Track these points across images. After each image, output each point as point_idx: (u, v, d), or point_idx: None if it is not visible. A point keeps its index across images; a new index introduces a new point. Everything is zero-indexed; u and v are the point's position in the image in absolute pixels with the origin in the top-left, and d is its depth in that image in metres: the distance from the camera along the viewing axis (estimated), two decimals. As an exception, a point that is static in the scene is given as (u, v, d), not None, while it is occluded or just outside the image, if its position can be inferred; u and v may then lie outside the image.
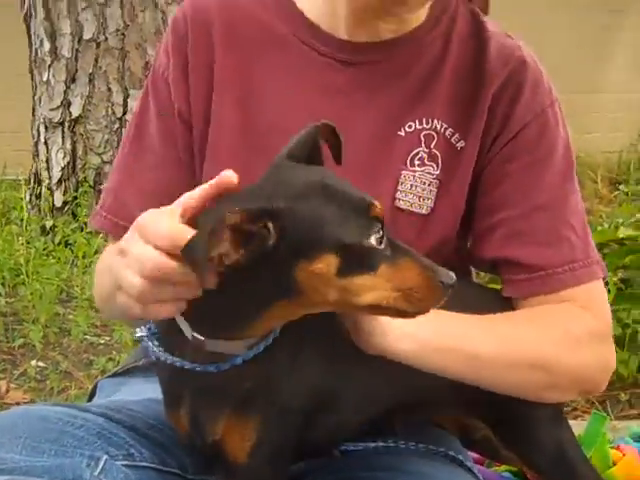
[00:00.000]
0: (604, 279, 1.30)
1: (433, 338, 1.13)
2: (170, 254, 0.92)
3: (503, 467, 1.71)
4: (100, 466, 1.03)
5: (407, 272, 0.96)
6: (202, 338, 1.01)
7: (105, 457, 1.05)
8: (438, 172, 1.26)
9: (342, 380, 1.14)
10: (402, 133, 1.26)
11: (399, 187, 1.26)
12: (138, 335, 1.08)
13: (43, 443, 1.04)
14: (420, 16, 1.29)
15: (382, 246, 0.96)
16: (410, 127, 1.26)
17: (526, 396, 1.22)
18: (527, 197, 1.25)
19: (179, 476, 1.19)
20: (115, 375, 1.49)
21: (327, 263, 0.94)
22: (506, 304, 1.28)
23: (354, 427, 1.21)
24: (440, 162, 1.26)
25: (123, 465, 1.08)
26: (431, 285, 0.97)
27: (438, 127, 1.26)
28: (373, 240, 0.95)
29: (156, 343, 1.07)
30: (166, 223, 0.93)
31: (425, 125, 1.26)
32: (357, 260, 0.95)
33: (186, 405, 1.08)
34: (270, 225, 0.92)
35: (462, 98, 1.26)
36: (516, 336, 1.21)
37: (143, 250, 0.93)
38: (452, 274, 0.98)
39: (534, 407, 1.24)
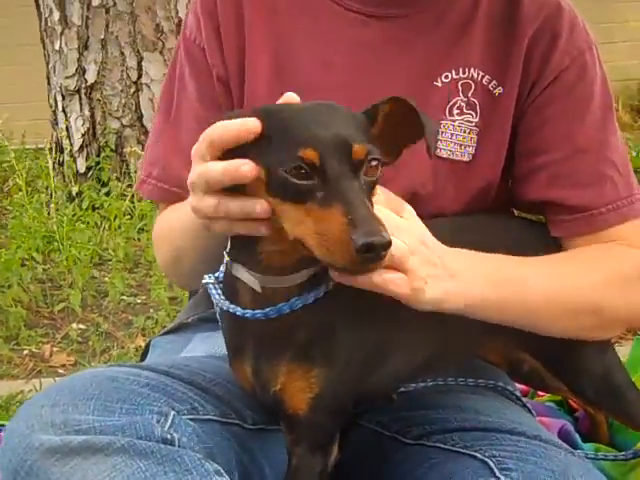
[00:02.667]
0: None
1: (484, 292, 1.12)
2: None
3: (546, 397, 1.74)
4: (169, 421, 1.07)
5: (328, 217, 0.91)
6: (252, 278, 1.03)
7: (172, 412, 1.09)
8: (477, 119, 1.27)
9: (398, 328, 1.14)
10: (439, 84, 1.27)
11: (439, 137, 1.26)
12: (204, 281, 1.11)
13: (114, 403, 1.08)
14: None
15: (307, 183, 0.93)
16: (447, 77, 1.27)
17: (575, 336, 1.24)
18: (568, 140, 1.26)
19: (239, 426, 1.22)
20: (166, 333, 1.54)
21: (262, 174, 0.95)
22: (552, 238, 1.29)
23: (409, 372, 1.23)
24: (479, 110, 1.27)
25: (189, 419, 1.12)
26: (341, 238, 0.89)
27: (475, 75, 1.27)
28: (292, 175, 0.93)
29: (219, 291, 1.11)
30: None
31: (462, 74, 1.27)
32: (283, 187, 0.94)
33: (249, 355, 1.11)
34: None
35: (498, 45, 1.27)
36: (567, 279, 1.22)
37: (200, 169, 0.98)
38: (383, 236, 0.90)
39: None
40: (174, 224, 1.30)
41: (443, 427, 1.20)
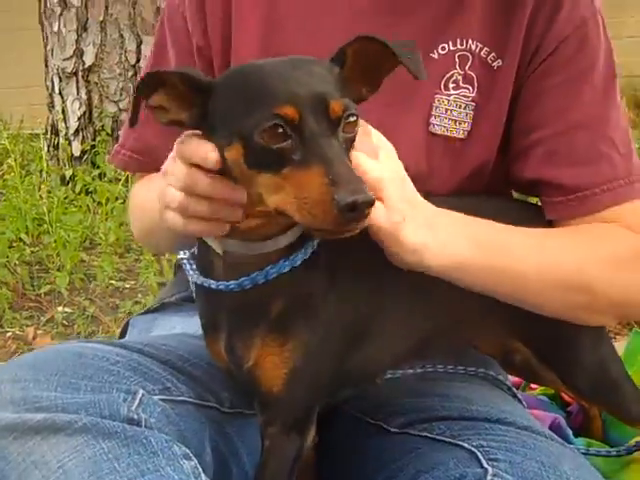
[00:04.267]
0: None
1: (469, 252, 1.09)
2: (205, 170, 0.96)
3: (538, 390, 1.70)
4: (137, 400, 1.02)
5: (307, 179, 0.88)
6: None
7: (142, 392, 1.04)
8: (474, 94, 1.22)
9: (383, 304, 1.11)
10: (435, 55, 1.22)
11: (433, 112, 1.22)
12: (179, 257, 1.10)
13: (79, 379, 1.03)
14: None
15: (283, 145, 0.89)
16: (443, 49, 1.22)
17: (564, 316, 1.19)
18: (566, 114, 1.20)
19: (216, 410, 1.17)
20: (147, 312, 1.49)
21: (236, 150, 0.92)
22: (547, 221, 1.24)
23: (395, 355, 1.18)
24: (476, 84, 1.22)
25: (160, 399, 1.07)
26: (323, 199, 0.86)
27: (473, 47, 1.21)
28: (268, 137, 0.89)
29: (194, 267, 1.07)
30: (197, 143, 0.97)
31: (459, 46, 1.22)
32: (261, 156, 0.91)
33: (223, 331, 1.07)
34: (206, 96, 0.95)
35: (498, 15, 1.21)
36: (559, 254, 1.17)
37: (178, 167, 0.98)
38: (366, 194, 0.86)
39: (577, 326, 1.20)
40: (146, 205, 1.25)
41: (429, 416, 1.16)
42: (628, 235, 1.20)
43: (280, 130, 0.89)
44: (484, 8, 1.21)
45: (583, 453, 1.38)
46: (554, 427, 1.49)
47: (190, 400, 1.13)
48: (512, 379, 1.52)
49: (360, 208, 0.86)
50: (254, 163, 0.92)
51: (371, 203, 0.87)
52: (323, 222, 0.88)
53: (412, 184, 1.06)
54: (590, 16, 1.22)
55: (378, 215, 0.98)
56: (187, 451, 1.00)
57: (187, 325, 1.34)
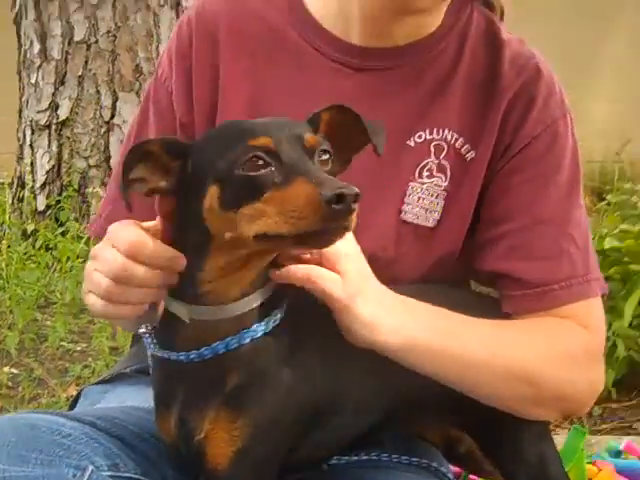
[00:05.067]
0: (603, 296, 1.28)
1: (423, 334, 1.11)
2: (135, 259, 1.00)
3: (477, 482, 1.71)
4: (86, 477, 1.03)
5: (292, 190, 0.92)
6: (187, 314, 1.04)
7: (91, 467, 1.05)
8: (446, 184, 1.25)
9: (338, 386, 1.12)
10: (412, 143, 1.25)
11: (406, 199, 1.24)
12: (141, 331, 1.10)
13: (30, 452, 1.03)
14: (434, 22, 1.27)
15: (265, 172, 0.94)
16: (420, 137, 1.25)
17: (508, 408, 1.21)
18: (531, 210, 1.24)
19: (161, 487, 1.18)
20: (101, 382, 1.48)
21: (211, 195, 0.97)
22: (504, 314, 1.27)
23: (344, 441, 1.19)
24: (449, 173, 1.25)
25: (108, 476, 1.08)
26: (310, 197, 0.90)
27: (449, 137, 1.25)
28: (249, 169, 0.95)
29: (154, 340, 1.09)
30: (132, 231, 1.01)
31: (435, 135, 1.25)
32: (238, 190, 0.95)
33: (177, 405, 1.07)
34: (184, 160, 1.00)
35: (474, 108, 1.25)
36: (511, 346, 1.20)
37: (111, 254, 1.01)
38: (350, 188, 0.90)
39: (520, 420, 1.23)
40: None
41: (371, 504, 1.17)
42: (581, 333, 1.23)
43: (260, 162, 0.94)
44: (462, 100, 1.25)
45: None
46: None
47: (136, 477, 1.14)
48: (453, 469, 1.55)
49: (347, 200, 0.90)
50: (231, 201, 0.96)
51: (357, 197, 0.90)
52: (312, 222, 0.91)
53: (366, 261, 1.09)
54: (560, 116, 1.26)
55: (335, 287, 1.02)
56: None
57: (141, 398, 1.33)
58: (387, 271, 1.14)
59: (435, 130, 1.25)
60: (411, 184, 1.25)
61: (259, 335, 1.04)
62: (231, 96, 1.27)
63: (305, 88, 1.27)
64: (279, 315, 1.06)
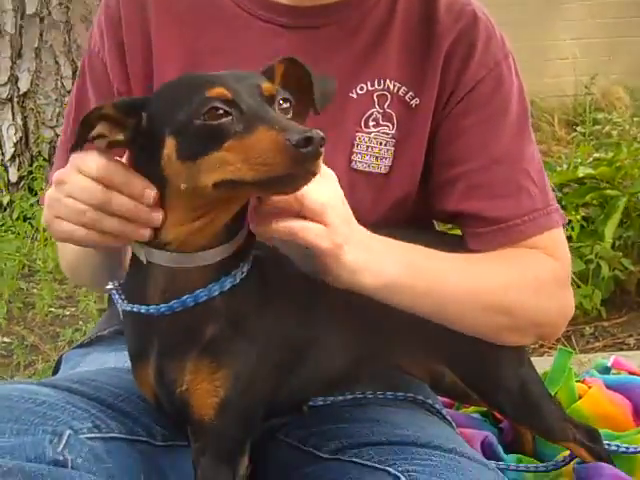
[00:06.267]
0: (564, 226, 1.32)
1: (404, 272, 1.13)
2: (106, 184, 0.98)
3: (472, 409, 1.73)
4: (63, 441, 1.02)
5: (255, 138, 0.91)
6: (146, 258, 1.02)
7: (68, 432, 1.03)
8: (394, 131, 1.26)
9: (316, 327, 1.12)
10: (354, 95, 1.26)
11: (355, 149, 1.26)
12: (108, 287, 1.10)
13: (5, 423, 1.02)
14: None
15: (225, 120, 0.93)
16: (362, 89, 1.26)
17: (486, 337, 1.24)
18: (484, 151, 1.26)
19: (148, 444, 1.17)
20: (80, 346, 1.48)
21: (169, 147, 0.96)
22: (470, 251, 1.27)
23: (325, 381, 1.20)
24: (395, 121, 1.26)
25: (89, 438, 1.07)
26: (276, 143, 0.89)
27: (391, 87, 1.26)
28: (208, 119, 0.93)
29: (122, 296, 1.08)
30: (98, 156, 1.00)
31: (377, 86, 1.26)
32: (197, 141, 0.94)
33: (153, 357, 1.06)
34: (141, 115, 0.99)
35: (414, 56, 1.26)
36: (485, 278, 1.23)
37: (86, 182, 1.00)
38: (316, 131, 0.89)
39: (498, 348, 1.25)
40: None
41: (359, 441, 1.18)
42: (548, 261, 1.27)
43: (219, 111, 0.93)
44: (400, 49, 1.26)
45: (513, 469, 1.44)
46: (486, 444, 1.52)
47: (120, 436, 1.13)
48: (446, 400, 1.57)
49: (315, 142, 0.88)
50: (189, 152, 0.95)
51: (323, 140, 0.89)
52: (279, 166, 0.89)
53: (349, 207, 1.09)
54: (502, 58, 1.28)
55: (320, 237, 1.01)
56: None
57: (120, 359, 1.33)
58: None
59: (377, 81, 1.26)
60: (358, 134, 1.26)
61: (227, 287, 1.03)
62: (164, 64, 1.27)
63: (238, 50, 1.27)
64: (246, 267, 1.05)
